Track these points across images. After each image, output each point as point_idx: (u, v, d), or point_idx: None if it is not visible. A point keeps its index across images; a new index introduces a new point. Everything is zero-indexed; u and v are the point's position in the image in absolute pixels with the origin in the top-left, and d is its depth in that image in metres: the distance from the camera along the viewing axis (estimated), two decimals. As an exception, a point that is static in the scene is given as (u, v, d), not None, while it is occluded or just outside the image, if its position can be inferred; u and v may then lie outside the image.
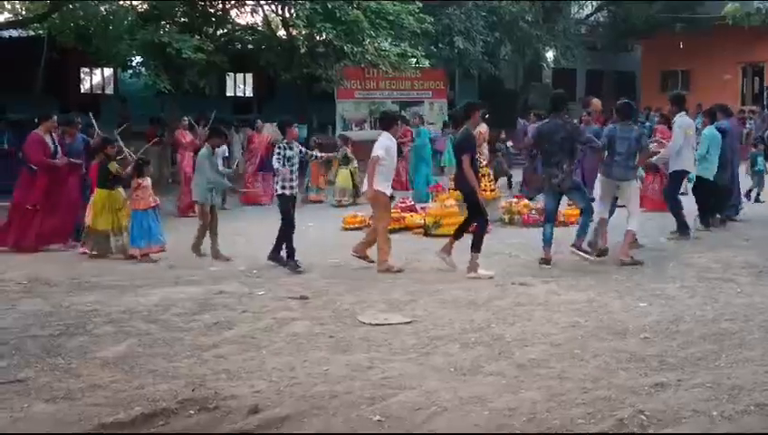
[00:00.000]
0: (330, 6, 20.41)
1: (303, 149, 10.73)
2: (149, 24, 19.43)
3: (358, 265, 10.21)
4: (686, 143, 11.67)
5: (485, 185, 13.95)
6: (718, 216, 12.64)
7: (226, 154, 17.30)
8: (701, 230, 12.15)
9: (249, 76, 31.11)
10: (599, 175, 10.73)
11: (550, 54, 32.43)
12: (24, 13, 22.10)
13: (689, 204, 12.38)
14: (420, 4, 22.30)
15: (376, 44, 22.13)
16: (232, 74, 29.75)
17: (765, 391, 5.26)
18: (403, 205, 14.02)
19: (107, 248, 11.09)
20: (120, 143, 11.70)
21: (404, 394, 5.37)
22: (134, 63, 22.10)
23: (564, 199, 10.59)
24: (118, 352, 6.50)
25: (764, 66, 32.91)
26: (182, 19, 21.07)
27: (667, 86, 34.44)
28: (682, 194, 12.34)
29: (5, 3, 21.53)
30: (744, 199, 14.57)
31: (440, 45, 26.70)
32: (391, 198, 10.39)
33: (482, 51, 27.29)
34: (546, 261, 9.82)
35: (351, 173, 17.77)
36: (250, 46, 24.24)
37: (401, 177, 19.02)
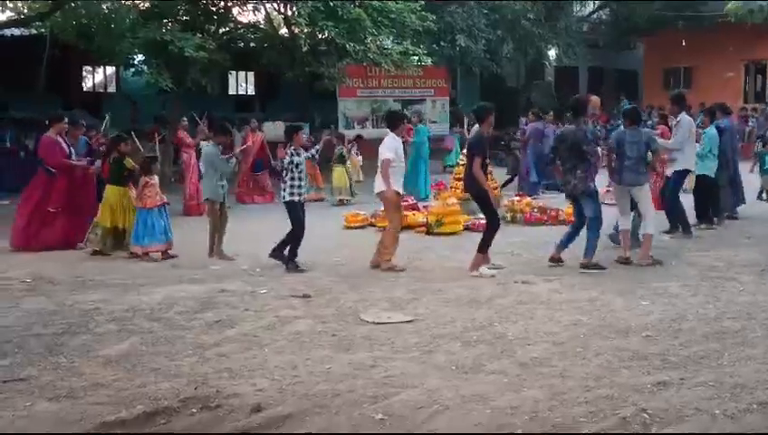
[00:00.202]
0: (332, 4, 20.41)
1: (314, 150, 10.66)
2: (151, 22, 19.42)
3: (359, 264, 10.21)
4: (690, 142, 11.68)
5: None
6: (715, 217, 12.62)
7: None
8: (703, 229, 12.14)
9: (251, 74, 31.07)
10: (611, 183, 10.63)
11: (552, 52, 32.39)
12: (26, 11, 22.07)
13: (687, 203, 12.35)
14: (422, 2, 22.29)
15: (378, 42, 22.12)
16: (234, 73, 29.71)
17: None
18: (405, 203, 13.99)
19: (118, 246, 11.08)
20: (136, 142, 11.74)
21: (406, 393, 5.37)
22: (136, 62, 22.11)
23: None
24: (120, 350, 6.51)
25: (767, 64, 32.87)
26: (184, 17, 21.06)
27: (669, 84, 34.39)
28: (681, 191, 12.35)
29: (8, 1, 21.50)
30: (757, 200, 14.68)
31: (442, 43, 26.67)
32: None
33: (484, 49, 27.26)
34: (555, 259, 9.85)
35: (347, 171, 17.76)
36: (252, 44, 24.23)
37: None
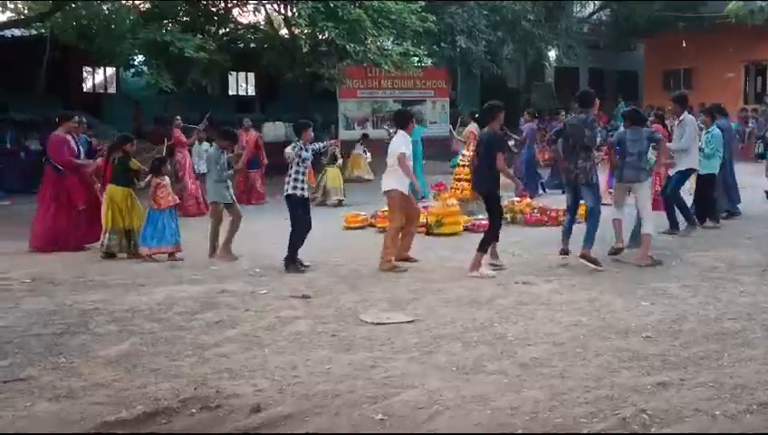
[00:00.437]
0: (332, 5, 20.43)
1: (320, 145, 10.67)
2: (152, 23, 19.46)
3: (360, 263, 10.21)
4: (695, 141, 11.70)
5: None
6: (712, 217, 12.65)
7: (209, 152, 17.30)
8: (710, 227, 12.20)
9: (251, 75, 31.10)
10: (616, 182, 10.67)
11: (552, 53, 32.42)
12: (26, 12, 22.09)
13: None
14: (423, 3, 22.30)
15: (378, 43, 22.16)
16: (234, 73, 29.74)
17: (768, 390, 5.27)
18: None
19: (126, 247, 11.08)
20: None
21: (406, 393, 5.37)
22: (136, 62, 22.13)
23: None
24: (120, 350, 6.51)
25: (767, 65, 32.88)
26: (184, 18, 21.11)
27: (669, 85, 34.39)
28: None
29: (8, 2, 21.51)
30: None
31: (442, 44, 26.69)
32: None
33: (484, 50, 27.28)
34: (564, 252, 9.88)
35: (340, 171, 17.77)
36: (252, 45, 24.26)
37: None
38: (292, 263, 9.94)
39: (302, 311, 7.78)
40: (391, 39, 23.16)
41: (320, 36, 22.42)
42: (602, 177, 10.90)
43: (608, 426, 4.76)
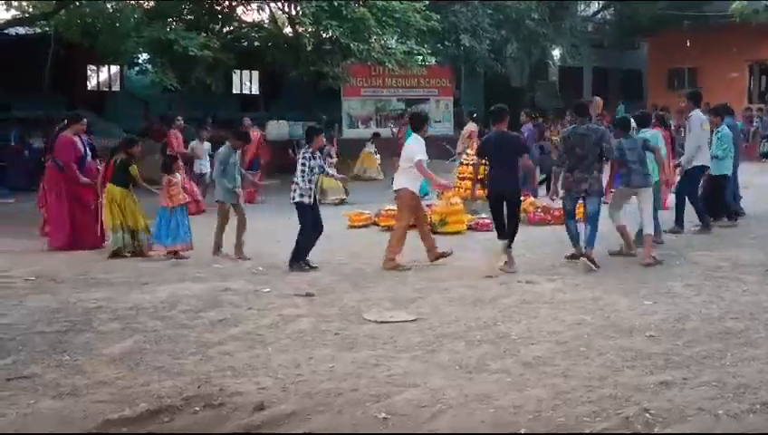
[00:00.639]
0: (336, 4, 20.42)
1: (323, 166, 10.53)
2: (156, 22, 19.47)
3: (363, 262, 10.21)
4: (704, 137, 11.68)
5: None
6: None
7: (210, 152, 17.23)
8: (726, 225, 12.26)
9: (255, 73, 31.09)
10: (619, 186, 10.64)
11: (556, 52, 32.38)
12: (30, 10, 22.11)
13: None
14: (427, 2, 22.29)
15: (382, 42, 22.15)
16: (238, 72, 29.74)
17: (771, 389, 5.26)
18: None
19: (130, 245, 11.06)
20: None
21: (409, 392, 5.38)
22: (141, 61, 22.13)
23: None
24: (123, 348, 6.52)
25: (771, 64, 32.88)
26: (188, 16, 21.12)
27: (673, 84, 34.33)
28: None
29: (12, 1, 21.53)
30: None
31: (446, 43, 26.68)
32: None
33: (488, 48, 27.26)
34: (576, 256, 9.83)
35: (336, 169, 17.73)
36: (256, 43, 24.26)
37: None
38: (297, 262, 9.94)
39: (305, 309, 7.78)
40: (395, 38, 23.15)
41: (324, 35, 22.41)
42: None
43: (611, 425, 4.76)
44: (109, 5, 20.01)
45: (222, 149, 11.06)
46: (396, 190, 10.25)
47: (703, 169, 11.91)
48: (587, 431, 4.71)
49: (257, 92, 31.61)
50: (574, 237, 9.96)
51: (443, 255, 10.13)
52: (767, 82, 33.71)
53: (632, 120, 10.75)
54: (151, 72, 20.95)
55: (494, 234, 10.21)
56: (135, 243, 11.10)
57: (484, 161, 10.76)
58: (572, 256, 9.95)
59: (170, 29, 19.71)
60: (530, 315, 7.39)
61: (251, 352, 6.38)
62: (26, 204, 15.71)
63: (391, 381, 5.62)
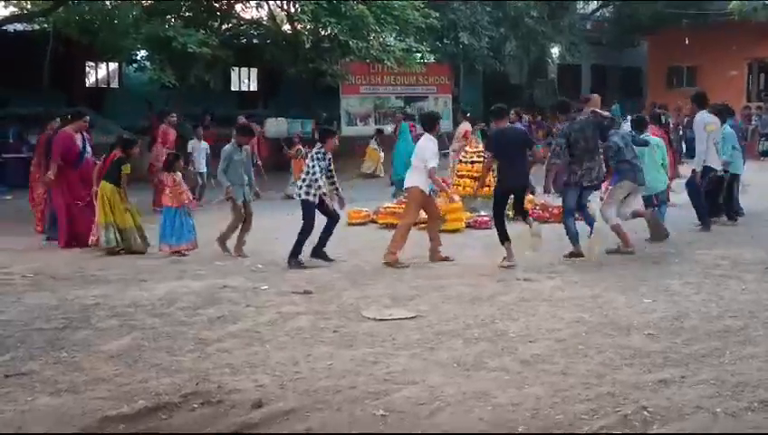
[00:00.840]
0: (335, 1, 20.43)
1: (330, 169, 10.41)
2: (155, 19, 19.46)
3: (362, 259, 10.21)
4: (709, 140, 11.66)
5: (490, 180, 13.96)
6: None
7: (208, 151, 17.19)
8: (725, 225, 12.32)
9: (254, 71, 31.09)
10: (621, 181, 10.67)
11: (555, 50, 32.40)
12: (29, 7, 22.09)
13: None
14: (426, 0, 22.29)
15: (381, 39, 22.16)
16: (237, 69, 29.75)
17: (770, 387, 5.26)
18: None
19: (119, 242, 10.99)
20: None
21: (408, 389, 5.37)
22: (139, 58, 22.12)
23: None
24: (122, 345, 6.51)
25: (770, 63, 32.90)
26: (187, 13, 21.11)
27: (672, 82, 34.38)
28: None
29: (11, -3, 21.60)
30: None
31: (445, 41, 26.70)
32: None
33: (487, 46, 27.28)
34: (575, 254, 9.97)
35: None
36: (255, 41, 24.29)
37: None
38: (295, 259, 9.93)
39: (303, 307, 7.78)
40: (394, 35, 23.16)
41: (322, 32, 22.42)
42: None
43: (609, 423, 4.75)
44: (107, 2, 20.01)
45: (227, 147, 11.01)
46: (406, 188, 10.33)
47: (710, 170, 11.88)
48: (585, 429, 4.70)
49: (256, 90, 31.61)
50: (574, 236, 10.00)
51: (445, 259, 10.11)
52: (766, 81, 33.71)
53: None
54: (150, 69, 20.95)
55: (492, 231, 10.23)
56: (124, 241, 11.00)
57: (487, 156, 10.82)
58: (571, 255, 9.97)
59: (169, 26, 19.70)
60: (528, 313, 7.39)
61: (249, 350, 6.37)
62: (24, 201, 15.62)
63: (390, 378, 5.62)
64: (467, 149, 14.95)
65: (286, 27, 23.97)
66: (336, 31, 20.93)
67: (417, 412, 4.99)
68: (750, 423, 4.74)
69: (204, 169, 16.83)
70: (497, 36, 27.87)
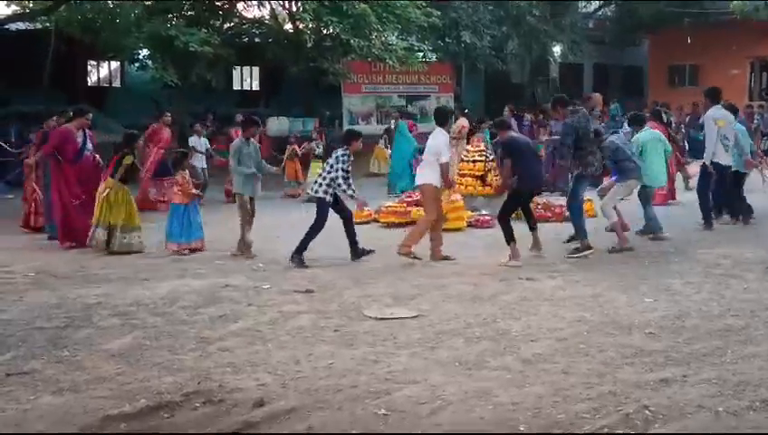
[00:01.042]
0: (336, 0, 20.41)
1: (348, 171, 10.44)
2: (156, 18, 19.47)
3: (363, 259, 10.20)
4: (717, 136, 11.65)
5: (491, 179, 13.98)
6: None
7: (208, 146, 17.16)
8: (726, 223, 12.33)
9: (256, 70, 31.11)
10: (627, 180, 10.76)
11: (557, 49, 32.33)
12: (31, 6, 22.11)
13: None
14: (428, -2, 22.30)
15: (383, 38, 22.17)
16: (239, 68, 29.77)
17: (771, 387, 5.26)
18: (409, 199, 14.01)
19: (106, 242, 10.91)
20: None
21: (409, 388, 5.37)
22: (141, 56, 22.12)
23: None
24: (123, 344, 6.52)
25: (772, 61, 32.88)
26: (189, 12, 21.11)
27: (674, 81, 34.36)
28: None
29: (14, -4, 21.62)
30: None
31: (447, 39, 26.66)
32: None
33: (489, 45, 27.25)
34: (586, 247, 10.12)
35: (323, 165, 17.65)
36: (257, 40, 24.29)
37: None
38: (299, 255, 9.94)
39: (304, 306, 7.78)
40: (396, 34, 23.15)
41: (324, 31, 22.42)
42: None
43: (610, 422, 4.75)
44: (109, 1, 20.02)
45: (235, 141, 11.00)
46: (419, 185, 10.36)
47: (717, 166, 11.85)
48: (586, 428, 4.70)
49: (258, 89, 31.62)
50: (585, 229, 10.19)
51: (446, 258, 10.12)
52: (768, 79, 33.72)
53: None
54: (152, 67, 20.96)
55: (494, 230, 10.25)
56: (111, 239, 10.87)
57: (492, 158, 10.94)
58: (580, 249, 10.09)
59: (171, 25, 19.71)
60: (530, 312, 7.38)
61: (251, 349, 6.38)
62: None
63: (391, 377, 5.62)
64: (469, 147, 14.94)
65: (288, 26, 23.97)
66: (338, 30, 20.93)
67: (419, 411, 4.99)
68: (751, 422, 4.74)
69: (205, 165, 16.82)
70: (499, 35, 27.83)
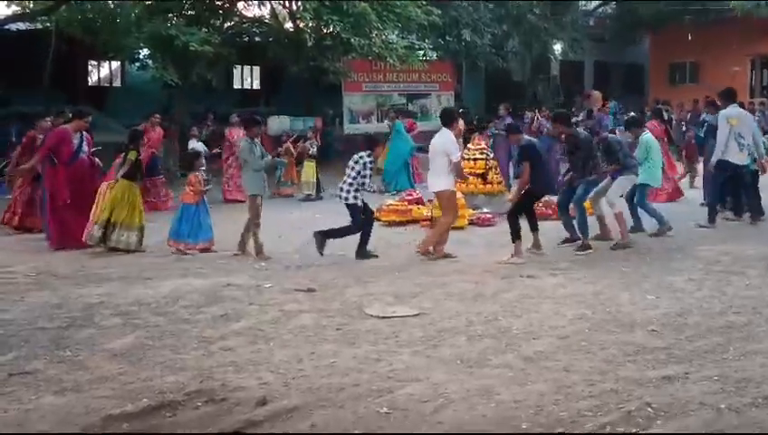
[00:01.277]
0: (337, -1, 20.43)
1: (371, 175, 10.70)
2: (156, 17, 19.47)
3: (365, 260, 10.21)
4: (730, 134, 11.64)
5: (492, 177, 13.98)
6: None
7: (205, 148, 17.11)
8: (729, 220, 12.33)
9: (256, 69, 31.11)
10: (630, 175, 10.89)
11: (557, 47, 32.34)
12: (31, 6, 22.11)
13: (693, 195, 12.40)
14: (428, -3, 22.29)
15: (383, 37, 22.16)
16: (239, 67, 29.75)
17: (773, 383, 5.26)
18: (410, 198, 14.02)
19: (101, 239, 10.84)
20: None
21: (411, 387, 5.38)
22: (141, 56, 22.12)
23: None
24: (125, 344, 6.52)
25: (773, 58, 32.85)
26: (189, 12, 21.11)
27: (675, 79, 34.35)
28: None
29: (14, -3, 21.63)
30: None
31: (447, 38, 26.65)
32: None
33: (489, 43, 27.25)
34: (587, 246, 10.30)
35: (316, 165, 17.58)
36: (257, 39, 24.28)
37: (418, 168, 19.06)
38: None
39: (306, 305, 7.78)
40: (396, 32, 23.14)
41: (324, 30, 22.42)
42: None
43: (612, 420, 4.75)
44: (110, 1, 20.02)
45: (242, 143, 10.96)
46: (436, 192, 10.43)
47: (726, 164, 11.83)
48: (588, 426, 4.71)
49: (258, 88, 31.61)
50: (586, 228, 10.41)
51: (447, 256, 10.13)
52: (769, 77, 33.71)
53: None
54: (152, 67, 20.96)
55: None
56: (107, 237, 10.82)
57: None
58: (584, 247, 10.23)
59: (171, 24, 19.71)
60: (531, 310, 7.38)
61: (253, 348, 6.38)
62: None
63: (393, 375, 5.62)
64: (470, 146, 14.95)
65: (288, 25, 23.97)
66: (338, 28, 20.93)
67: (421, 410, 4.99)
68: (754, 419, 4.74)
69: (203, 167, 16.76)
70: (499, 33, 27.83)
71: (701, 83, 30.88)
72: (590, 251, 10.12)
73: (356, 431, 4.74)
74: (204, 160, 12.37)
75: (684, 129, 21.53)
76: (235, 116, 18.00)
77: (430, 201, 13.31)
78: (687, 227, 11.80)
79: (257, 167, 10.66)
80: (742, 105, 13.63)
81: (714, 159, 11.82)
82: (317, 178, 17.29)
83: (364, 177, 10.25)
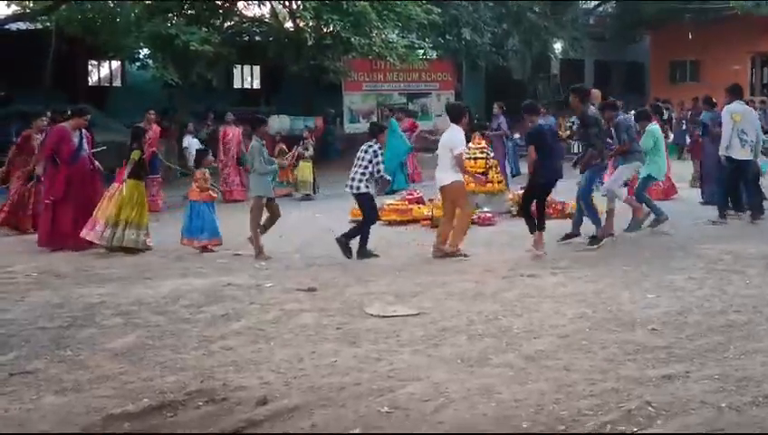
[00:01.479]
0: (337, -2, 20.44)
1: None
2: (157, 17, 19.47)
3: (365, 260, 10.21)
4: (734, 129, 11.64)
5: (492, 176, 13.98)
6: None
7: (200, 147, 17.09)
8: (731, 217, 12.29)
9: (257, 68, 31.11)
10: (633, 162, 11.01)
11: (558, 45, 32.32)
12: (31, 6, 22.11)
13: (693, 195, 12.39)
14: (428, -5, 22.29)
15: (383, 36, 22.16)
16: (239, 66, 29.76)
17: (774, 382, 5.26)
18: (410, 197, 14.03)
19: (111, 239, 10.85)
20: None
21: (412, 386, 5.37)
22: (142, 56, 22.13)
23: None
24: (126, 343, 6.52)
25: (773, 56, 32.85)
26: (189, 11, 21.12)
27: (675, 77, 34.35)
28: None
29: (13, -3, 21.63)
30: None
31: (447, 37, 26.65)
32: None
33: (489, 42, 27.24)
34: (599, 238, 10.37)
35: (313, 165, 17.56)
36: (257, 38, 24.29)
37: (417, 168, 19.07)
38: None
39: (307, 304, 7.78)
40: (396, 32, 23.14)
41: (325, 29, 22.42)
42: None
43: (613, 418, 4.75)
44: (110, 1, 20.02)
45: (253, 143, 10.92)
46: (445, 185, 10.31)
47: (731, 160, 11.84)
48: (589, 425, 4.70)
49: (258, 87, 31.62)
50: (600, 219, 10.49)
51: (447, 254, 10.13)
52: (769, 75, 33.70)
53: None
54: (152, 67, 20.97)
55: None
56: (114, 236, 10.77)
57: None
58: (594, 239, 10.31)
59: (171, 24, 19.73)
60: (532, 309, 7.38)
61: (253, 347, 6.38)
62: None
63: (394, 375, 5.62)
64: (470, 145, 14.94)
65: (288, 24, 23.97)
66: (338, 28, 20.95)
67: (422, 409, 4.99)
68: (754, 418, 4.74)
69: None
70: (499, 32, 27.83)
71: (702, 82, 30.87)
72: (603, 244, 10.15)
73: (357, 431, 4.74)
74: (212, 158, 12.39)
75: (684, 127, 21.54)
76: (230, 114, 17.97)
77: (431, 200, 13.32)
78: (687, 225, 11.82)
79: (263, 171, 10.66)
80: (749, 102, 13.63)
81: (721, 155, 11.83)
82: (314, 178, 17.29)
83: (377, 164, 10.24)
